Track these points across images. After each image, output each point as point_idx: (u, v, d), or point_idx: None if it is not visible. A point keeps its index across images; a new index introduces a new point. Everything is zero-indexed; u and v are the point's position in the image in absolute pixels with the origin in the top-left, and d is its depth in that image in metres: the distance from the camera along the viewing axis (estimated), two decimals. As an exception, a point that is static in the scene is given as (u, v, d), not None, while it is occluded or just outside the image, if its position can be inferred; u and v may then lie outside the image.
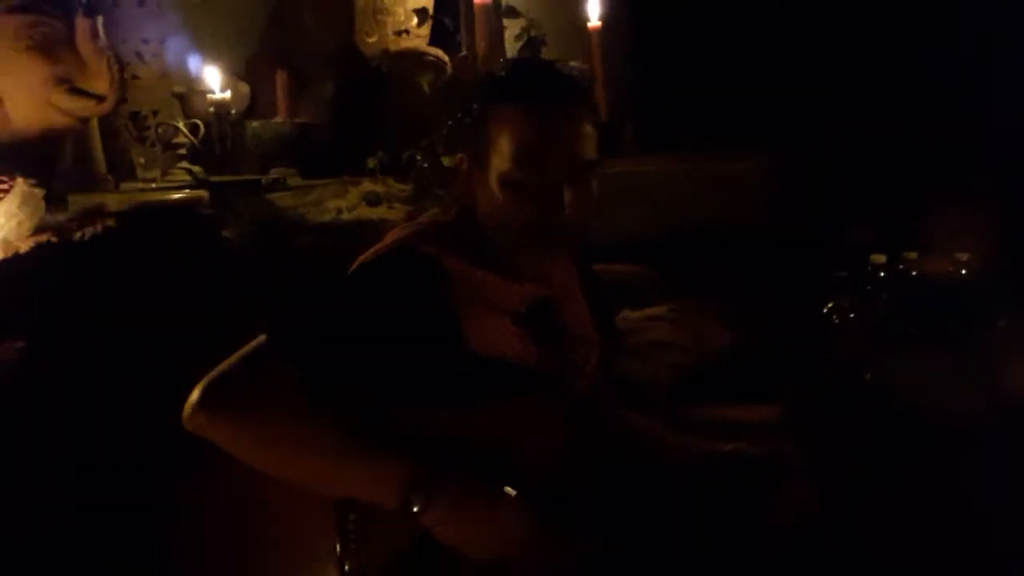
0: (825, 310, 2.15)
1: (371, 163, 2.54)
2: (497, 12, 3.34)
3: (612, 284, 2.56)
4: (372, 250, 1.53)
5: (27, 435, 1.69)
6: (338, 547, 1.38)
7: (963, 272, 2.19)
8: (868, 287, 2.21)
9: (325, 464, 1.34)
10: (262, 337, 1.38)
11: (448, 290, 1.45)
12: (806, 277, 2.24)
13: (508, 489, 1.35)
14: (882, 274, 2.24)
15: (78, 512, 1.67)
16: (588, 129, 1.47)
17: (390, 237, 1.55)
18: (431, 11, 3.21)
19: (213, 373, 1.35)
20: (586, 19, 3.19)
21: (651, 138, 3.54)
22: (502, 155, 1.43)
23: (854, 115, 2.93)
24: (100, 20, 1.93)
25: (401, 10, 3.19)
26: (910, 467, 1.76)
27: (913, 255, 2.21)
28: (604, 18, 3.22)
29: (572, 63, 1.56)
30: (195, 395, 1.34)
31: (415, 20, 3.06)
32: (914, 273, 2.21)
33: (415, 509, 1.31)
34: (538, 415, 1.50)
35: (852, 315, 2.15)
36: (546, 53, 3.43)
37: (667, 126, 3.60)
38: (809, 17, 3.29)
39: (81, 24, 1.90)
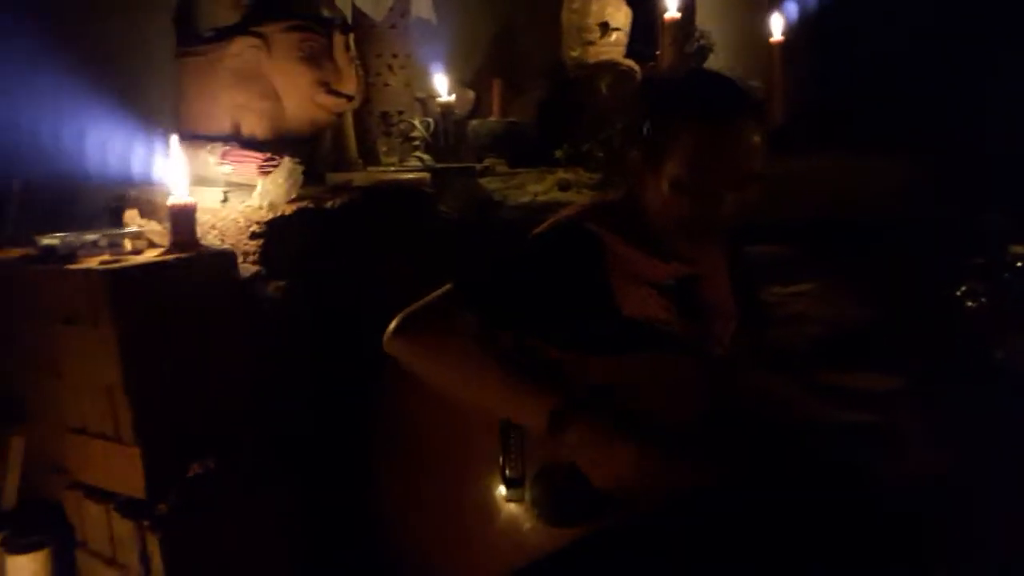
0: (959, 293, 1.96)
1: (558, 154, 2.53)
2: (684, 27, 3.24)
3: (764, 263, 2.44)
4: (547, 223, 1.54)
5: (284, 351, 1.81)
6: (501, 457, 1.41)
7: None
8: (1005, 275, 1.98)
9: (489, 390, 1.37)
10: (450, 285, 1.42)
11: (605, 260, 1.44)
12: (942, 262, 2.04)
13: (630, 441, 1.32)
14: (1020, 264, 2.00)
15: (311, 414, 1.78)
16: (758, 142, 1.37)
17: (563, 213, 1.55)
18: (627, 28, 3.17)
19: (409, 309, 1.42)
20: (769, 34, 3.06)
21: (813, 138, 3.35)
22: (675, 160, 1.37)
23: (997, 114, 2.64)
24: (351, 36, 2.03)
25: (599, 28, 3.17)
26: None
27: (1053, 247, 1.97)
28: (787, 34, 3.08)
29: (750, 81, 1.44)
30: (392, 325, 1.41)
31: (613, 36, 3.01)
32: (1052, 265, 1.97)
33: (556, 434, 1.32)
34: (677, 369, 1.45)
35: (984, 299, 1.93)
36: (722, 63, 3.31)
37: (828, 127, 3.40)
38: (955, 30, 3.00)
39: (338, 39, 2.00)
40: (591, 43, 2.95)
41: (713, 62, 3.34)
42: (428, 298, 1.43)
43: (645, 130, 1.41)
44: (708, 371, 1.46)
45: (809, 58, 3.57)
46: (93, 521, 1.70)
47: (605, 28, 2.98)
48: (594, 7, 3.01)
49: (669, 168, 1.37)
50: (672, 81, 1.54)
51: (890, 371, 1.94)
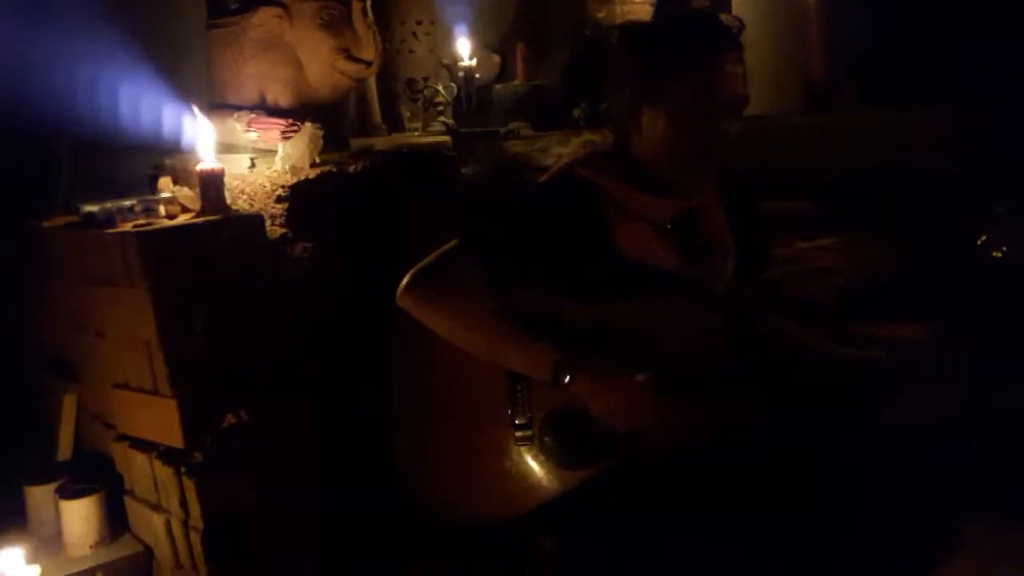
0: (979, 242, 1.94)
1: (576, 112, 2.55)
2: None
3: (788, 218, 2.44)
4: (546, 175, 1.58)
5: (311, 308, 1.89)
6: (508, 405, 1.47)
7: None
8: (1025, 224, 1.95)
9: (497, 341, 1.42)
10: (457, 240, 1.48)
11: (602, 205, 1.49)
12: (964, 212, 2.01)
13: (639, 375, 1.36)
14: (1041, 214, 1.97)
15: (340, 367, 1.86)
16: (741, 70, 1.45)
17: (558, 165, 1.59)
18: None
19: (420, 264, 1.47)
20: None
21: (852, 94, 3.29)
22: (677, 96, 1.42)
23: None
24: (369, 3, 2.07)
25: (628, -7, 3.15)
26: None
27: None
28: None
29: (723, 14, 1.50)
30: (405, 280, 1.46)
31: None
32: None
33: (564, 382, 1.37)
34: (681, 307, 1.49)
35: (1006, 248, 1.91)
36: (766, 24, 3.26)
37: (868, 83, 3.34)
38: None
39: (356, 6, 2.05)
40: (614, 2, 2.93)
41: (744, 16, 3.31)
42: (437, 252, 1.48)
43: (635, 76, 1.45)
44: (714, 310, 1.49)
45: (849, 15, 3.51)
46: (138, 469, 1.81)
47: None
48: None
49: (671, 105, 1.42)
50: (659, 27, 1.57)
51: (913, 320, 1.95)
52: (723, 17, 1.52)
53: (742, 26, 1.49)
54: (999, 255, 1.91)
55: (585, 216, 1.47)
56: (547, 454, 1.47)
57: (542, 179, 1.55)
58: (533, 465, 1.48)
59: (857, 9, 3.56)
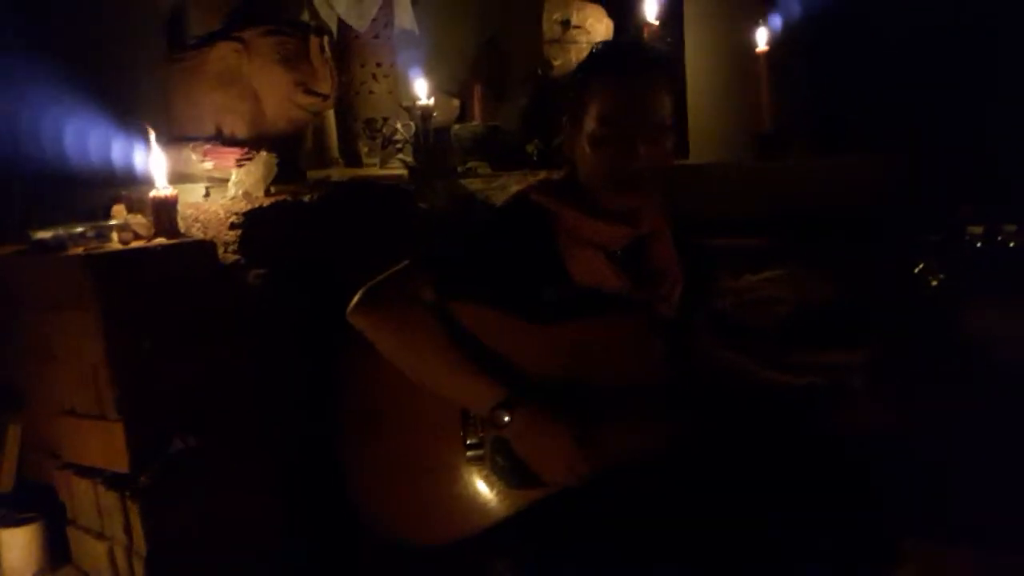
0: (917, 271, 2.00)
1: (529, 148, 2.61)
2: (663, 39, 3.32)
3: (737, 253, 2.50)
4: (500, 202, 1.62)
5: (263, 333, 1.88)
6: (461, 423, 1.46)
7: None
8: (965, 254, 2.03)
9: (438, 366, 1.43)
10: (408, 261, 1.49)
11: (554, 230, 1.51)
12: (901, 243, 2.09)
13: (573, 430, 1.37)
14: (979, 244, 2.05)
15: (289, 393, 1.85)
16: (665, 97, 1.48)
17: (513, 192, 1.62)
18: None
19: (370, 283, 1.48)
20: (754, 44, 3.15)
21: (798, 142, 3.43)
22: (591, 117, 1.47)
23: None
24: (327, 39, 2.12)
25: (584, 39, 3.26)
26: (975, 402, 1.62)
27: (1012, 227, 2.02)
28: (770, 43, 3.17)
29: (659, 45, 1.55)
30: (356, 298, 1.47)
31: (573, 33, 3.10)
32: (1011, 244, 2.02)
33: (502, 421, 1.37)
34: (626, 330, 1.51)
35: (942, 276, 1.98)
36: (717, 75, 3.40)
37: (813, 132, 3.49)
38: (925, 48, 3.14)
39: (314, 42, 2.10)
40: (562, 42, 3.03)
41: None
42: (389, 271, 1.50)
43: (567, 101, 1.50)
44: (657, 331, 1.51)
45: (795, 67, 3.67)
46: (81, 496, 1.77)
47: (566, 25, 3.07)
48: (567, 10, 3.10)
49: (587, 127, 1.46)
50: (589, 52, 1.62)
51: (853, 347, 2.00)
52: (649, 45, 1.57)
53: (672, 57, 1.54)
54: (935, 283, 1.97)
55: (537, 239, 1.50)
56: (498, 474, 1.46)
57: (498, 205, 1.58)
58: (484, 486, 1.48)
59: (803, 62, 3.74)
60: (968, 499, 1.58)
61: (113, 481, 1.69)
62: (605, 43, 1.76)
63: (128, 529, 1.65)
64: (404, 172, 2.36)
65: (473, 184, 2.69)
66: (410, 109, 2.87)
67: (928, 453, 1.54)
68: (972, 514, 1.56)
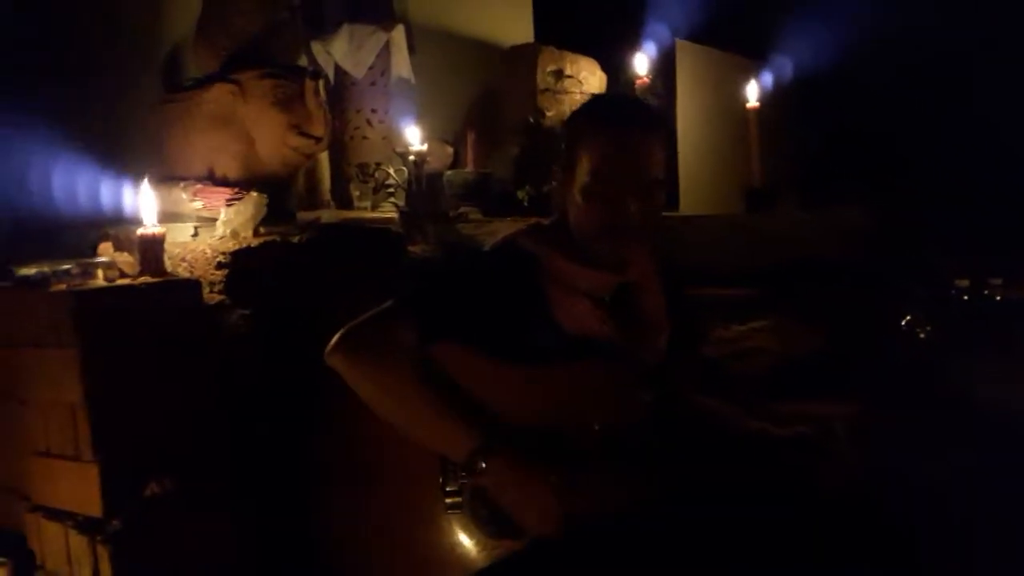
0: (903, 322, 1.98)
1: (520, 194, 2.60)
2: (654, 92, 3.35)
3: (724, 303, 2.48)
4: (488, 246, 1.59)
5: (242, 376, 1.83)
6: (440, 471, 1.41)
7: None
8: (953, 306, 2.01)
9: (416, 411, 1.38)
10: (392, 300, 1.46)
11: (540, 275, 1.48)
12: (888, 295, 2.07)
13: (551, 477, 1.33)
14: (966, 297, 2.03)
15: (268, 439, 1.79)
16: (658, 152, 1.45)
17: (501, 236, 1.60)
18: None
19: (352, 323, 1.44)
20: (745, 100, 3.17)
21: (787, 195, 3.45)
22: (583, 169, 1.44)
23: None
24: (321, 83, 2.12)
25: (577, 90, 3.29)
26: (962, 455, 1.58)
27: (998, 281, 2.00)
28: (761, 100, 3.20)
29: (650, 100, 1.54)
30: (335, 339, 1.43)
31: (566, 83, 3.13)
32: (998, 298, 2.00)
33: (479, 468, 1.33)
34: (609, 377, 1.47)
35: (929, 328, 1.95)
36: (707, 129, 3.43)
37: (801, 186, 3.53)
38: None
39: (308, 85, 2.09)
40: (555, 92, 3.05)
41: (686, 125, 3.47)
42: (372, 311, 1.46)
43: (561, 146, 1.48)
44: (641, 380, 1.47)
45: (784, 123, 3.72)
46: (51, 540, 1.70)
47: (559, 75, 3.09)
48: (561, 62, 3.12)
49: (579, 177, 1.43)
50: (583, 104, 1.61)
51: (839, 398, 1.96)
52: (640, 100, 1.56)
53: (661, 113, 1.53)
54: (923, 335, 1.94)
55: (522, 284, 1.47)
56: (477, 523, 1.41)
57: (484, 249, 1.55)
58: (462, 536, 1.43)
59: (792, 118, 3.78)
60: (955, 550, 1.53)
61: (84, 525, 1.62)
62: (599, 95, 1.77)
63: (97, 574, 1.58)
64: (395, 215, 2.34)
65: (464, 229, 2.67)
66: (403, 155, 2.87)
67: (913, 503, 1.50)
68: (959, 566, 1.51)
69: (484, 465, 1.33)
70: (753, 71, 3.47)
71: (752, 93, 3.21)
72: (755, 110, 3.22)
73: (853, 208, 2.89)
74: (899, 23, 3.51)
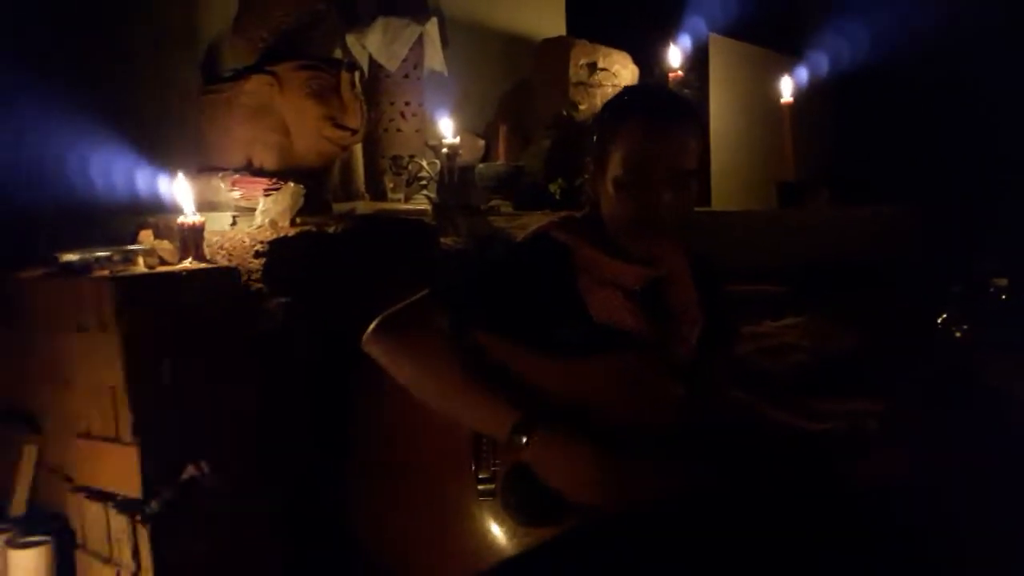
0: (940, 321, 1.95)
1: (552, 187, 2.60)
2: (687, 85, 3.33)
3: (757, 299, 2.46)
4: (521, 237, 1.59)
5: (282, 364, 1.86)
6: (473, 458, 1.43)
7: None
8: (988, 305, 1.99)
9: (456, 393, 1.40)
10: (427, 289, 1.47)
11: (572, 266, 1.49)
12: (925, 293, 2.04)
13: (596, 447, 1.33)
14: (1003, 296, 2.01)
15: (305, 424, 1.82)
16: (691, 143, 1.45)
17: (534, 227, 1.60)
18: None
19: (387, 311, 1.46)
20: (779, 95, 3.15)
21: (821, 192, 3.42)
22: (614, 160, 1.45)
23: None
24: (357, 75, 2.13)
25: (610, 83, 3.28)
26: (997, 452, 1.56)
27: (1035, 280, 1.98)
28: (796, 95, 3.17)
29: (685, 92, 1.54)
30: (372, 326, 1.45)
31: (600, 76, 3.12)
32: (1036, 297, 1.97)
33: (521, 443, 1.33)
34: (641, 370, 1.47)
35: (966, 327, 1.93)
36: (741, 123, 3.40)
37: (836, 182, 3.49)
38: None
39: (344, 77, 2.11)
40: (587, 85, 3.04)
41: (718, 120, 3.44)
42: (407, 301, 1.47)
43: (593, 143, 1.48)
44: (674, 373, 1.47)
45: (819, 120, 3.68)
46: (92, 520, 1.74)
47: (592, 68, 3.08)
48: (594, 55, 3.11)
49: (612, 169, 1.44)
50: (616, 95, 1.61)
51: (873, 396, 1.94)
52: (674, 91, 1.55)
53: (695, 104, 1.53)
54: (959, 334, 1.92)
55: (555, 276, 1.47)
56: (509, 511, 1.42)
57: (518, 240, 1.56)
58: (494, 523, 1.43)
59: (826, 116, 3.74)
60: (989, 552, 1.51)
61: (124, 506, 1.66)
62: (631, 86, 1.76)
63: (136, 554, 1.61)
64: (428, 207, 2.35)
65: (496, 222, 2.68)
66: (436, 147, 2.89)
67: (948, 505, 1.48)
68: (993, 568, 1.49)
69: (526, 440, 1.33)
70: (787, 67, 3.44)
71: (787, 88, 3.18)
72: (789, 105, 3.19)
73: (888, 205, 2.85)
74: (938, 19, 3.45)
